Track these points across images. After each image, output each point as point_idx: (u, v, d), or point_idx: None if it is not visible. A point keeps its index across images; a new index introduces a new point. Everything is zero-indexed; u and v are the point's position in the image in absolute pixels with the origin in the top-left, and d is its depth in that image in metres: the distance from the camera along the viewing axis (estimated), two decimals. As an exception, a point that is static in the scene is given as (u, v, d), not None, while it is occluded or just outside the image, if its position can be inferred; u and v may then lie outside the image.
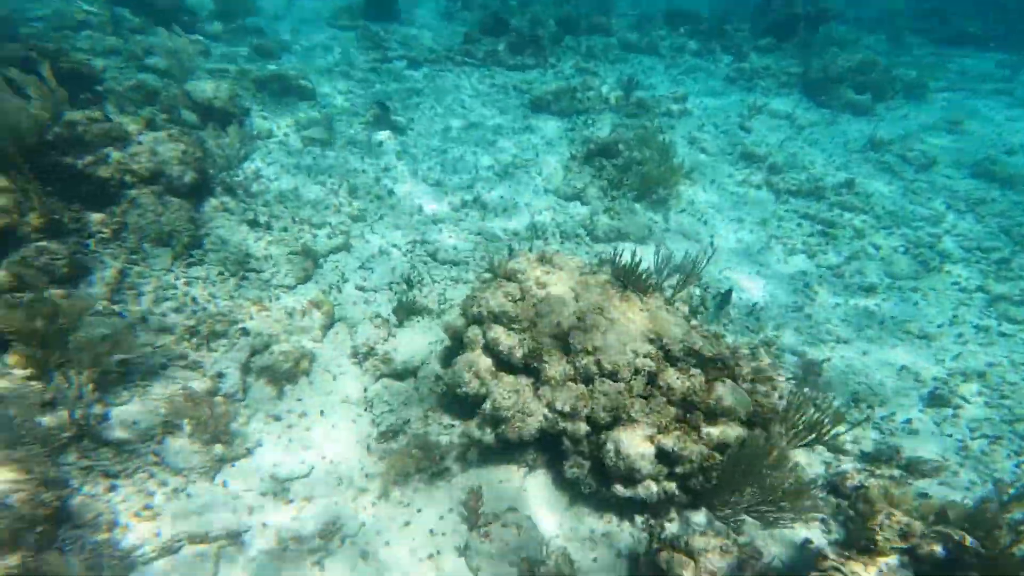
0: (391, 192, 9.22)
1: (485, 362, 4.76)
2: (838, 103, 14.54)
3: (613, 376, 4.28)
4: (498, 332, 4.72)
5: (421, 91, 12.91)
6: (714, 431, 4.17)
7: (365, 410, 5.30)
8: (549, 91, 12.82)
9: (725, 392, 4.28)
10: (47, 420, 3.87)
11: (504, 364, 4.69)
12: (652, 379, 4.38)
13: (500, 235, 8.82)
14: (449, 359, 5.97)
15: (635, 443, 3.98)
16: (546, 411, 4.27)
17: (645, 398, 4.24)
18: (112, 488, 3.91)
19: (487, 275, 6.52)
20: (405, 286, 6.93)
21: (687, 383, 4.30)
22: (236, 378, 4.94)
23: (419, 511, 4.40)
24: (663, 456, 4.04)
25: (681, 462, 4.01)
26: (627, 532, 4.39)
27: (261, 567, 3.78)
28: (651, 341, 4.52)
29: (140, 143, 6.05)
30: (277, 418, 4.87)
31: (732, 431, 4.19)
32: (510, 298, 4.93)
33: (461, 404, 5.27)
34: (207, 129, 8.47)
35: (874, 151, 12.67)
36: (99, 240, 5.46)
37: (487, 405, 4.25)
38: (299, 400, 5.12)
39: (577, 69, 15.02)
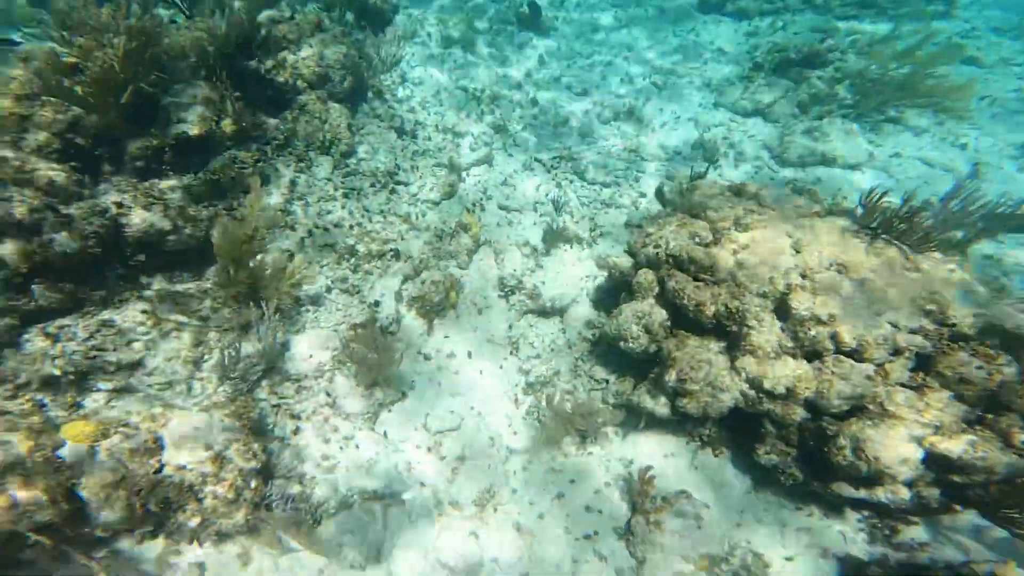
0: (534, 101, 8.18)
1: (660, 315, 3.94)
2: None
3: (856, 354, 3.20)
4: (682, 281, 3.80)
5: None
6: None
7: (511, 353, 4.93)
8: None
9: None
10: (246, 347, 3.99)
11: (688, 321, 3.82)
12: (926, 363, 3.21)
13: (659, 153, 7.45)
14: (603, 301, 5.26)
15: (892, 444, 2.99)
16: (745, 387, 3.40)
17: (914, 388, 3.12)
18: (297, 431, 3.97)
19: (659, 207, 5.41)
20: (552, 208, 6.17)
21: (986, 372, 3.03)
22: (391, 307, 4.81)
23: (572, 482, 4.03)
24: (939, 460, 3.00)
25: (970, 473, 2.96)
26: (836, 530, 3.57)
27: (421, 531, 3.73)
28: (926, 313, 3.26)
29: (311, 46, 5.77)
30: (427, 357, 4.70)
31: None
32: (697, 240, 3.91)
33: (619, 357, 4.61)
34: (365, 31, 8.05)
35: None
36: (274, 147, 5.49)
37: (670, 376, 3.50)
38: (447, 337, 4.89)
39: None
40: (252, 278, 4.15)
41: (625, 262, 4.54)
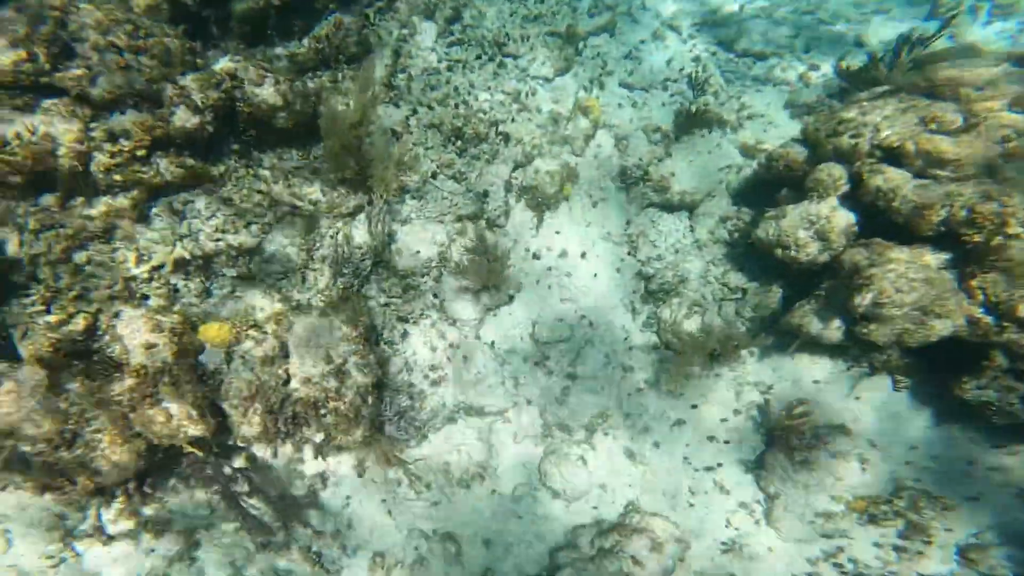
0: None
1: (843, 219, 3.04)
2: None
3: None
4: (896, 180, 2.80)
5: None
6: None
7: (629, 254, 4.31)
8: None
9: None
10: (357, 237, 3.79)
11: (887, 228, 2.89)
12: None
13: (842, 29, 5.62)
14: (746, 195, 4.32)
15: None
16: (980, 313, 2.51)
17: None
18: (404, 336, 3.82)
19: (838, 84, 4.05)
20: (689, 88, 4.99)
21: None
22: (500, 198, 4.31)
23: (694, 407, 3.56)
24: None
25: None
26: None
27: (526, 454, 3.55)
28: None
29: None
30: (536, 256, 4.24)
31: None
32: (936, 126, 2.78)
33: (760, 263, 3.82)
34: None
35: None
36: (376, 9, 4.85)
37: (862, 298, 2.67)
38: (558, 233, 4.35)
39: None
40: (360, 163, 3.86)
41: (797, 152, 3.52)
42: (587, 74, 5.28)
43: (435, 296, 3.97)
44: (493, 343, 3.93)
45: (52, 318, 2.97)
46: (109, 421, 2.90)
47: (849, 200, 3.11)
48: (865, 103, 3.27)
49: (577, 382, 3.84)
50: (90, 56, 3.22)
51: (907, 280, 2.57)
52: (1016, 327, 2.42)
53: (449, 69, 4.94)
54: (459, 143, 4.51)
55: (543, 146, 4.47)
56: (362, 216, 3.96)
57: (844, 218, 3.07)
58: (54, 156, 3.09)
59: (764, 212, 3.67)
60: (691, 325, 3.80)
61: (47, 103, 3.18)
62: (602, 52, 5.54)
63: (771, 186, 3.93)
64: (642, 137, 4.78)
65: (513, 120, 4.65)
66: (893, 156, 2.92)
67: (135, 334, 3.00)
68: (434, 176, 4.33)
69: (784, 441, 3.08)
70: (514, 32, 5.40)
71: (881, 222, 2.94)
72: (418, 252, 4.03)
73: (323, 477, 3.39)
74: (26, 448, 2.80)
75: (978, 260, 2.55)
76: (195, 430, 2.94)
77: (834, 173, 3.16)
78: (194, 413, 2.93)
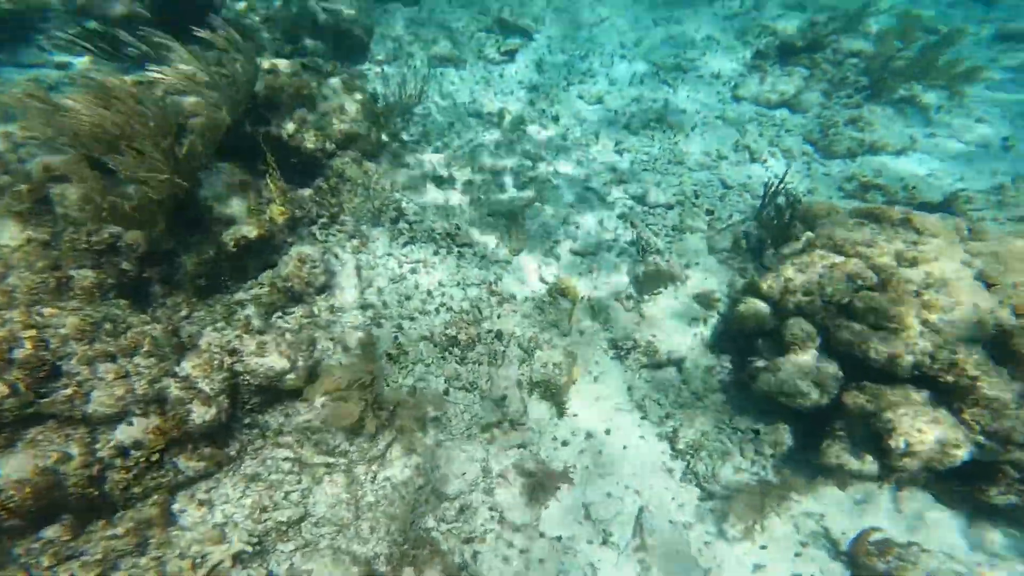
0: (556, 118, 8.22)
1: (831, 368, 4.13)
2: None
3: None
4: (862, 333, 4.01)
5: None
6: None
7: (642, 418, 4.98)
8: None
9: None
10: (397, 474, 3.79)
11: (864, 371, 4.04)
12: None
13: (703, 159, 7.75)
14: (721, 344, 5.42)
15: None
16: (983, 439, 3.62)
17: None
18: (475, 556, 3.86)
19: (791, 243, 5.57)
20: (636, 250, 6.23)
21: None
22: (517, 399, 4.70)
23: (763, 547, 4.17)
24: None
25: None
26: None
27: None
28: None
29: (326, 98, 5.42)
30: (565, 443, 4.63)
31: None
32: (861, 283, 4.16)
33: (758, 403, 4.80)
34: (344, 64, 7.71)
35: None
36: (320, 226, 5.12)
37: (895, 442, 3.64)
38: (575, 416, 4.85)
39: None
40: (379, 418, 4.00)
41: (756, 309, 4.73)
42: (539, 248, 6.17)
43: (491, 509, 4.08)
44: (560, 537, 4.11)
45: None
46: None
47: (825, 349, 4.30)
48: (795, 258, 4.68)
49: (650, 551, 4.16)
50: (79, 371, 2.97)
51: (921, 421, 3.66)
52: (1018, 448, 3.55)
53: (413, 271, 5.40)
54: (456, 350, 4.85)
55: (538, 336, 5.08)
56: (396, 449, 3.99)
57: (831, 367, 4.19)
58: (60, 488, 2.71)
59: (750, 361, 4.73)
60: (726, 472, 4.52)
61: (33, 432, 2.85)
62: (544, 220, 6.58)
63: (735, 334, 5.04)
64: (615, 305, 5.72)
65: (499, 316, 5.22)
66: (844, 311, 4.22)
67: None
68: (446, 393, 4.54)
69: (867, 566, 3.78)
70: (460, 217, 6.19)
71: (858, 366, 4.12)
72: (464, 474, 4.14)
73: None
74: None
75: (960, 397, 3.67)
76: None
77: (806, 328, 4.35)
78: None
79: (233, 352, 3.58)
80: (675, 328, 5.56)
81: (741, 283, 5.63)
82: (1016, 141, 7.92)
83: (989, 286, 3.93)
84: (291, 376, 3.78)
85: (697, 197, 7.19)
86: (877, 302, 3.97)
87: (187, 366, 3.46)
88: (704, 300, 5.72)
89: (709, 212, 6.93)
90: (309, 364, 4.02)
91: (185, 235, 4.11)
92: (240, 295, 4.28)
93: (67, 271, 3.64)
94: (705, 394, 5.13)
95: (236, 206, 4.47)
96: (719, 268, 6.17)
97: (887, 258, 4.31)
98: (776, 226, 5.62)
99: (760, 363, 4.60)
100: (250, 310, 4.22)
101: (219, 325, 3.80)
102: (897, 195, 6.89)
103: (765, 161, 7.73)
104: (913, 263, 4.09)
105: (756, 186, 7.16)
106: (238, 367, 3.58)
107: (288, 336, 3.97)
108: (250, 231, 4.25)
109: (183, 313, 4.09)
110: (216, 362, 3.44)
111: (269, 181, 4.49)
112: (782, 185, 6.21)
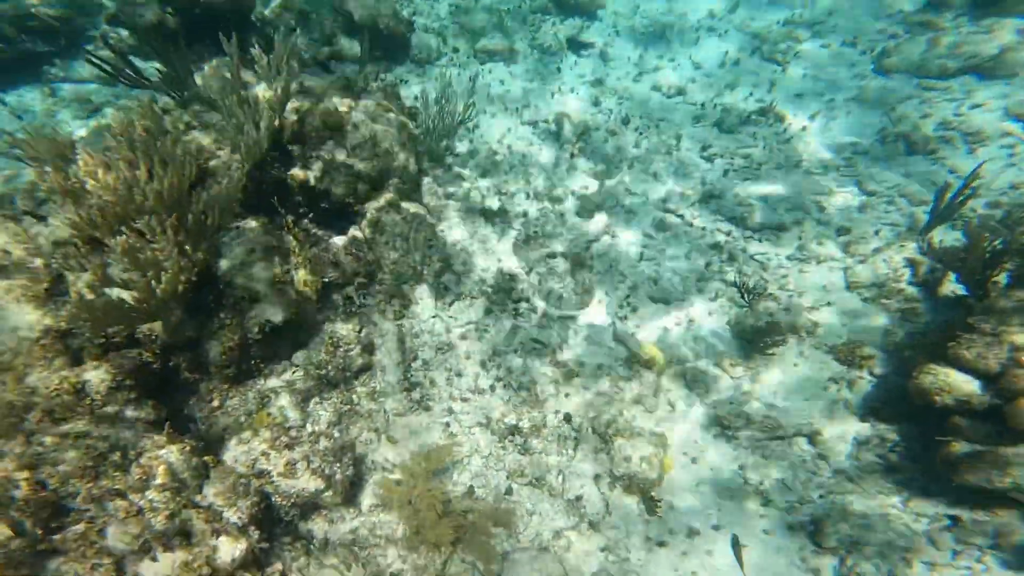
0: (626, 120, 7.55)
1: None
2: None
3: None
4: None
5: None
6: None
7: (763, 505, 4.39)
8: None
9: None
10: None
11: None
12: None
13: (829, 157, 6.83)
14: (879, 412, 4.63)
15: None
16: None
17: None
18: None
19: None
20: (740, 294, 5.43)
21: None
22: (596, 497, 4.24)
23: None
24: None
25: None
26: None
27: None
28: None
29: (356, 127, 5.07)
30: (662, 544, 4.13)
31: None
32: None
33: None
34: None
35: None
36: (357, 287, 4.84)
37: None
38: (672, 508, 4.33)
39: None
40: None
41: (963, 386, 3.99)
42: (614, 299, 5.56)
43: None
44: None
45: None
46: None
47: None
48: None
49: None
50: (87, 508, 2.86)
51: None
52: None
53: (463, 338, 5.00)
54: (517, 439, 4.44)
55: (618, 421, 4.56)
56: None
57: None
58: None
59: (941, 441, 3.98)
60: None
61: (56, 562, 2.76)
62: (613, 263, 5.95)
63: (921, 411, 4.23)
64: (711, 368, 5.06)
65: (567, 396, 4.74)
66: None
67: None
68: (508, 493, 4.15)
69: None
70: (513, 267, 5.70)
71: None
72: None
73: None
74: None
75: None
76: None
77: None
78: None
79: (261, 474, 3.35)
80: (801, 395, 4.87)
81: (914, 338, 4.79)
82: None
83: None
84: (328, 494, 3.52)
85: (822, 211, 6.36)
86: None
87: (210, 493, 3.25)
88: (848, 357, 4.95)
89: (842, 231, 6.08)
90: (348, 475, 3.75)
91: (207, 315, 3.93)
92: (273, 381, 4.06)
93: (83, 374, 3.54)
94: (859, 475, 4.45)
95: (261, 276, 4.21)
96: (860, 305, 5.35)
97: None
98: (977, 260, 4.55)
99: (963, 447, 3.93)
100: (284, 400, 3.98)
101: (245, 436, 3.58)
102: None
103: (935, 152, 6.65)
104: None
105: (914, 191, 6.18)
106: (267, 488, 3.35)
107: (323, 442, 3.71)
108: (275, 314, 3.99)
109: (215, 404, 3.94)
110: (242, 488, 3.22)
111: (293, 246, 4.22)
112: (969, 186, 5.10)
